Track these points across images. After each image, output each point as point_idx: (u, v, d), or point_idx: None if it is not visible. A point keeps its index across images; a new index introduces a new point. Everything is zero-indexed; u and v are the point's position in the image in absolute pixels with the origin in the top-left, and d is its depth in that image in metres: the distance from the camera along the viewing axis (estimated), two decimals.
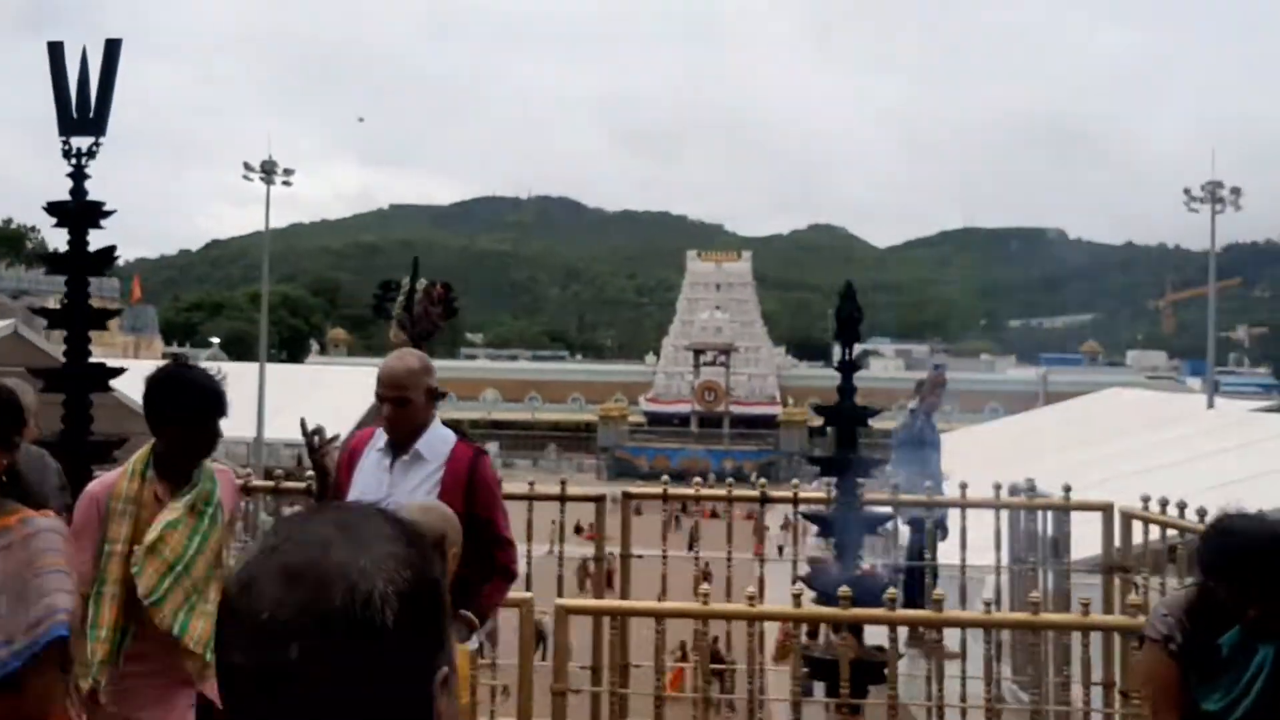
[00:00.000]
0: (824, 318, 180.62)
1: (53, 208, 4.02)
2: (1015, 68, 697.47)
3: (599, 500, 4.72)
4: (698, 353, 72.35)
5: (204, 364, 3.10)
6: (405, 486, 3.44)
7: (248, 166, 39.32)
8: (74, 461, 3.82)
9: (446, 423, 3.64)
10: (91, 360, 4.08)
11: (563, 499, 4.72)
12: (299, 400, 46.03)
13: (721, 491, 5.36)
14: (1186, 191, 37.71)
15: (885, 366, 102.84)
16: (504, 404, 78.08)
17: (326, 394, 49.28)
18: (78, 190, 4.04)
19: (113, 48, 4.12)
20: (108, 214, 4.08)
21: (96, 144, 4.11)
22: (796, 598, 3.81)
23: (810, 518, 5.40)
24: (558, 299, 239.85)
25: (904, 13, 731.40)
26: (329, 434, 3.67)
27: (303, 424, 3.69)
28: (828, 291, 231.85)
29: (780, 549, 39.54)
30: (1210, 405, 36.73)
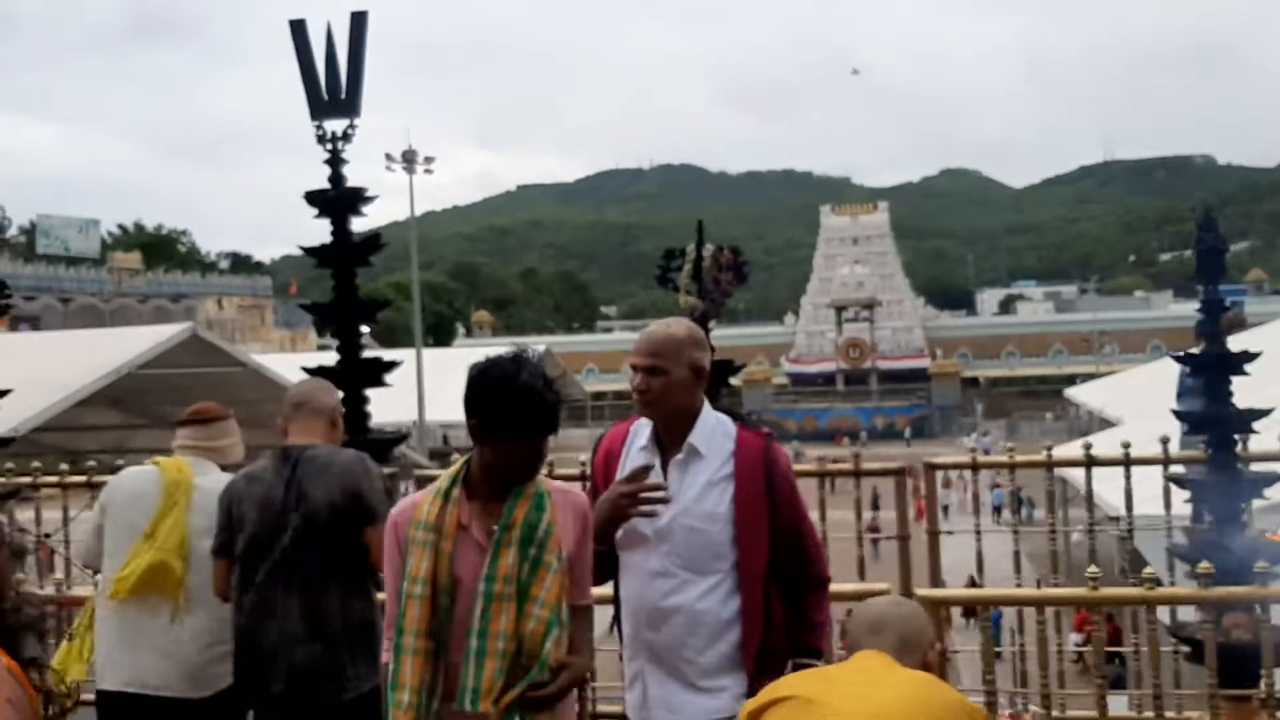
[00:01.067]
0: (963, 264, 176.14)
1: (311, 197, 3.81)
2: None
3: (899, 474, 4.20)
4: (839, 309, 70.98)
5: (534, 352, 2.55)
6: (687, 494, 2.76)
7: (389, 157, 39.95)
8: None
9: (722, 409, 2.96)
10: (366, 355, 3.88)
11: (858, 474, 4.21)
12: (453, 383, 47.20)
13: (1039, 457, 4.45)
14: None
15: (1034, 310, 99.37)
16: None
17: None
18: (336, 177, 3.83)
19: (359, 21, 3.86)
20: (369, 199, 3.86)
21: (352, 127, 3.88)
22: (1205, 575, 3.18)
23: (1178, 481, 4.60)
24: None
25: None
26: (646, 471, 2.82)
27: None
28: (964, 238, 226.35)
29: (945, 509, 38.21)
30: None
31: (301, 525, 3.10)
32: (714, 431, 2.84)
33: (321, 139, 3.92)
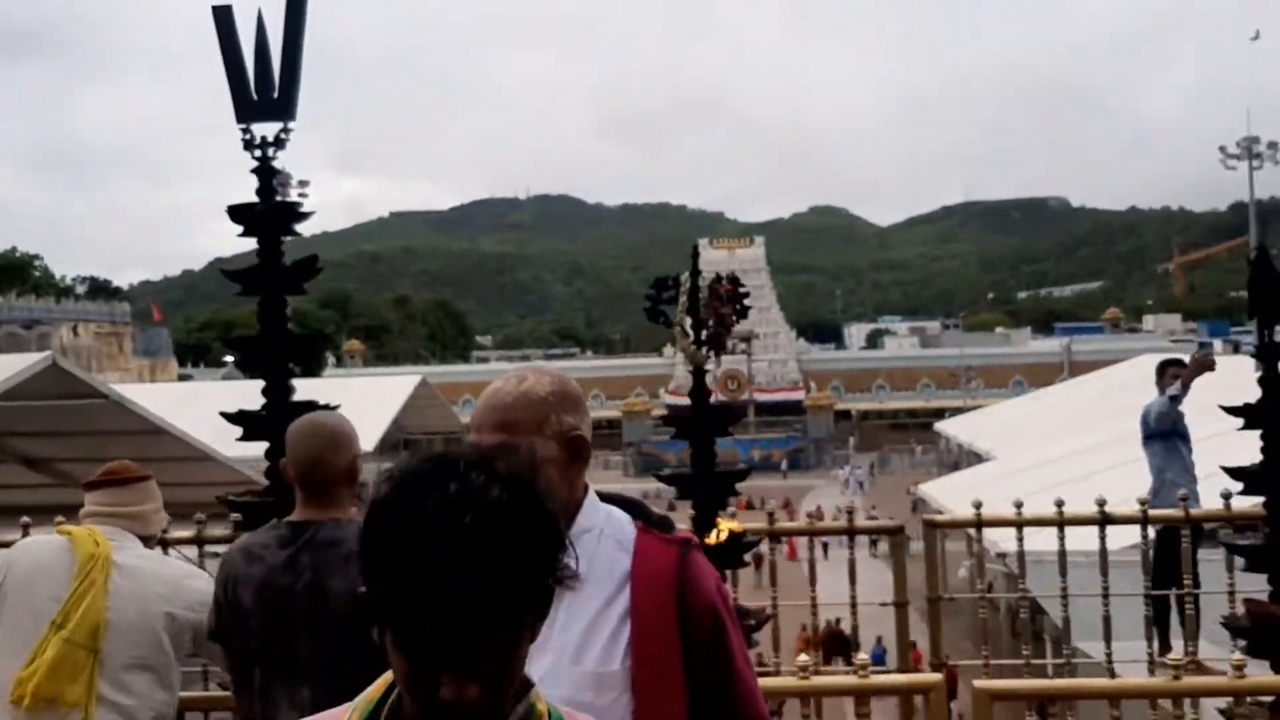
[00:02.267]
0: (831, 299, 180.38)
1: (236, 213, 3.23)
2: (1007, 35, 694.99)
3: (896, 533, 3.73)
4: None
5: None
6: (560, 644, 1.76)
7: None
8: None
9: (608, 498, 1.95)
10: (295, 399, 3.29)
11: (851, 532, 3.73)
12: None
13: (1049, 514, 3.95)
14: (1223, 149, 36.88)
15: (900, 345, 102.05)
16: None
17: (350, 403, 48.93)
18: (265, 189, 3.26)
19: (296, 8, 3.32)
20: (305, 216, 3.29)
21: (285, 131, 3.31)
22: None
23: (1232, 548, 4.08)
24: (563, 296, 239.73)
25: None
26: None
27: None
28: (832, 273, 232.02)
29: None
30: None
31: (315, 625, 2.45)
32: (600, 539, 1.85)
33: (249, 145, 3.35)
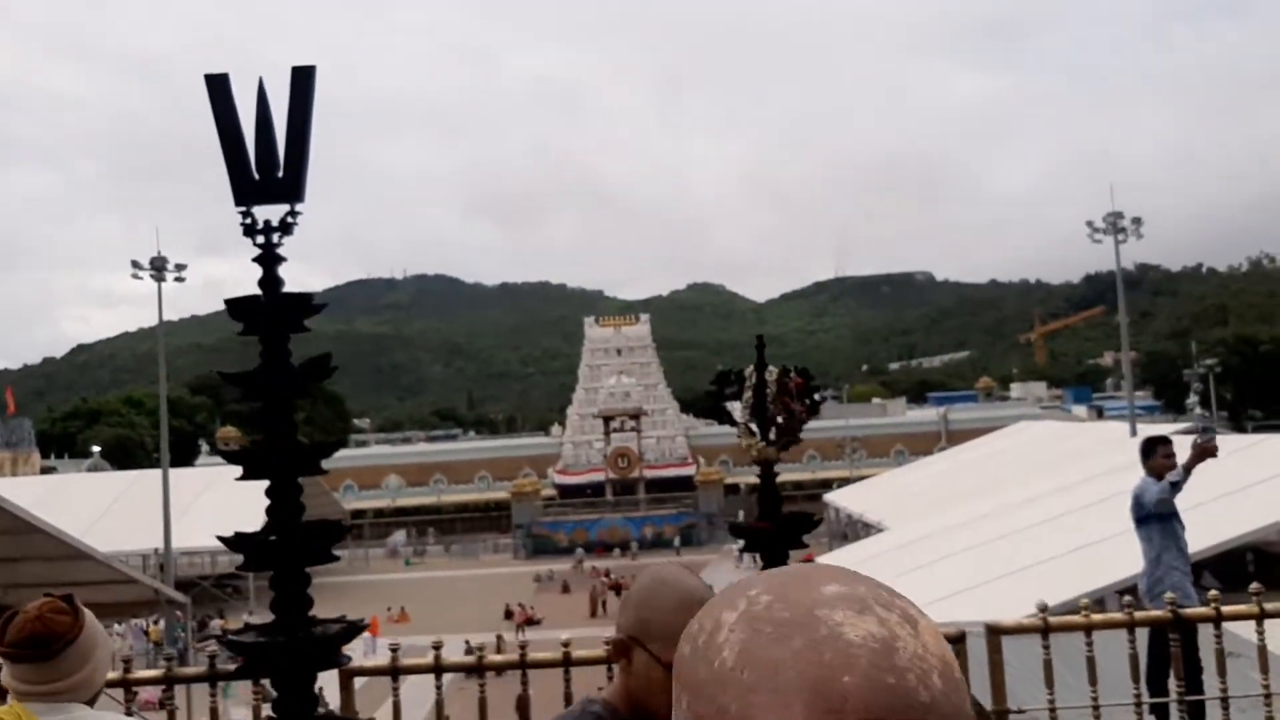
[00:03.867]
0: (712, 374, 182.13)
1: (235, 306, 2.80)
2: (872, 118, 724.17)
3: (958, 641, 3.27)
4: (606, 419, 71.10)
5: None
6: None
7: (136, 265, 37.13)
8: None
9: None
10: (305, 519, 2.85)
11: None
12: (198, 502, 43.55)
13: (1120, 616, 3.62)
14: (1090, 224, 38.59)
15: None
16: (408, 489, 75.41)
17: (226, 494, 46.84)
18: (270, 280, 2.84)
19: (303, 79, 2.94)
20: (316, 309, 2.88)
21: (292, 214, 2.90)
22: None
23: None
24: (442, 377, 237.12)
25: (755, 71, 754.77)
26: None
27: None
28: (711, 348, 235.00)
29: None
30: (1134, 432, 37.37)
31: None
32: None
33: (250, 230, 2.95)
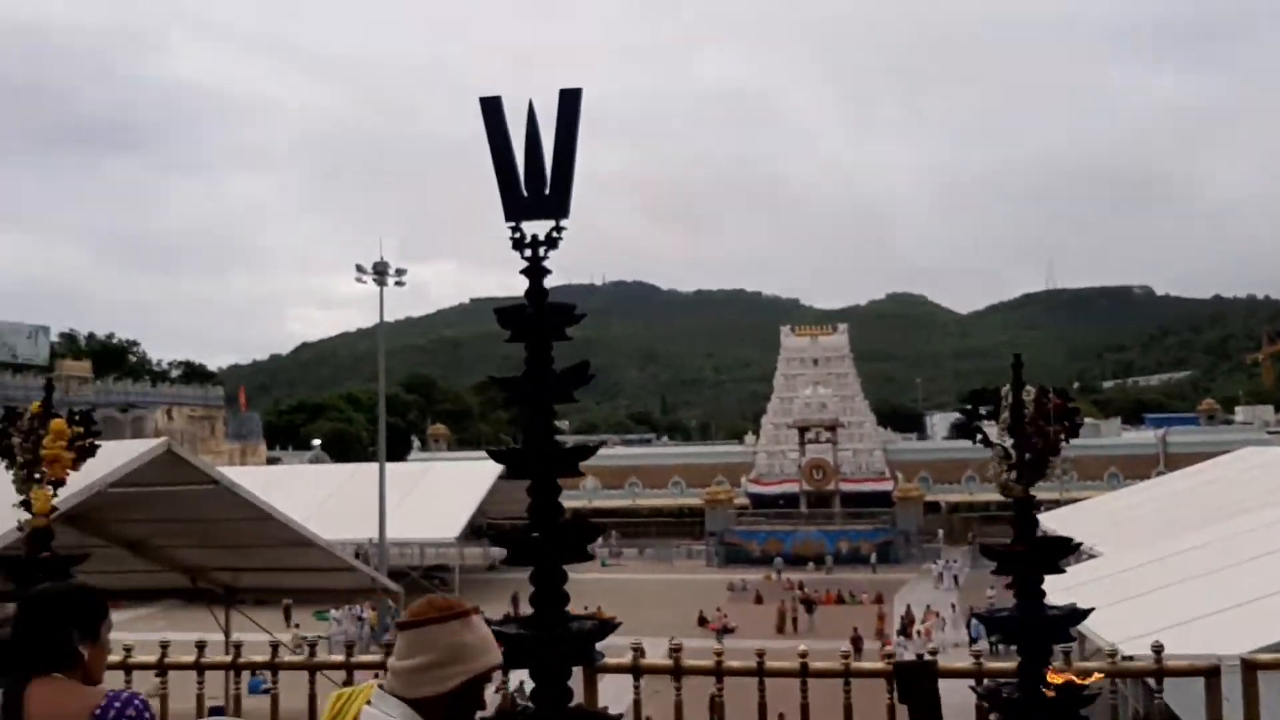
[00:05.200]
0: (911, 388, 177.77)
1: (504, 315, 3.01)
2: (1082, 122, 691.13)
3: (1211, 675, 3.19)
4: (802, 430, 70.53)
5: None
6: None
7: (360, 269, 39.29)
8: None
9: None
10: (564, 513, 3.02)
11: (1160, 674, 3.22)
12: (410, 496, 45.61)
13: None
14: None
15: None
16: (604, 491, 76.78)
17: (435, 488, 48.87)
18: (536, 291, 3.03)
19: (570, 101, 3.13)
20: (578, 318, 3.06)
21: (558, 229, 3.09)
22: None
23: None
24: (637, 381, 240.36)
25: (950, 73, 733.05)
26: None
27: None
28: (911, 361, 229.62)
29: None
30: None
31: None
32: None
33: (519, 244, 3.13)
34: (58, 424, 3.48)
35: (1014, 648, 3.25)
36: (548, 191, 3.11)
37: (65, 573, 3.46)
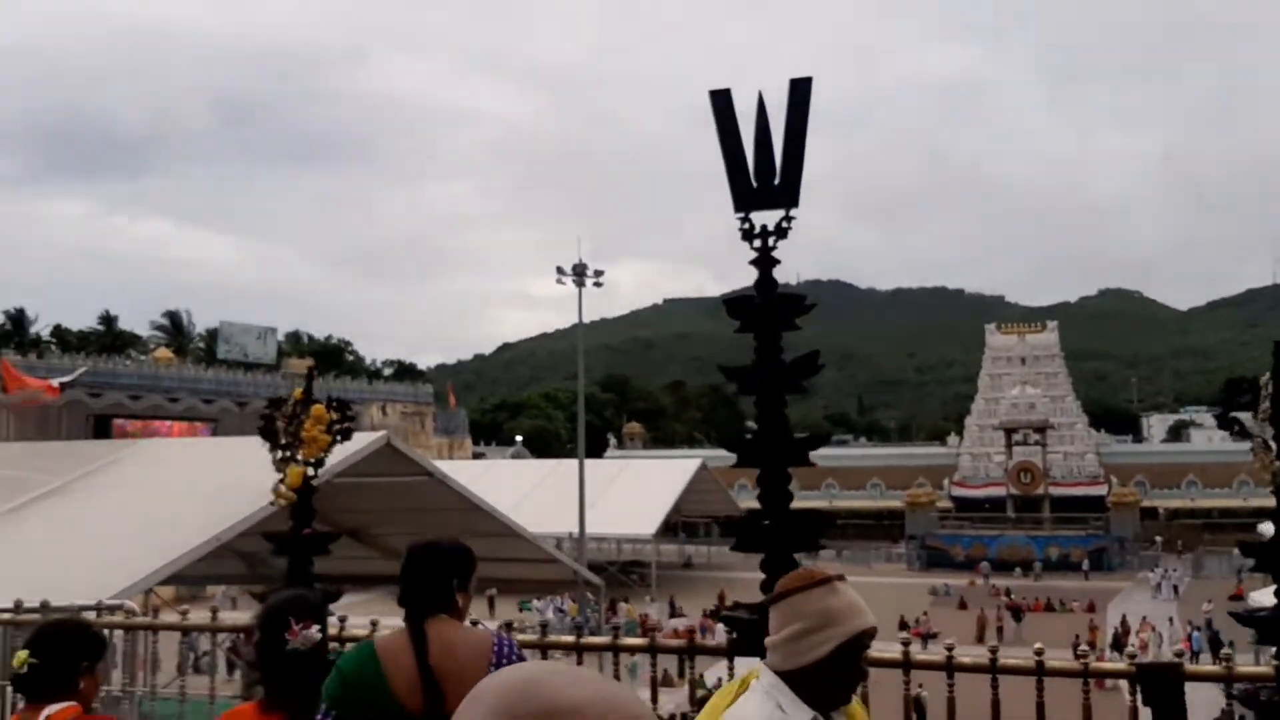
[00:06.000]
0: (1126, 388, 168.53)
1: (733, 306, 3.05)
2: None
3: None
4: (1008, 432, 67.95)
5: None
6: None
7: (560, 270, 40.22)
8: None
9: None
10: (795, 505, 3.03)
11: None
12: (607, 492, 46.42)
13: None
14: None
15: (1210, 438, 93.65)
16: (800, 492, 75.66)
17: (632, 485, 49.58)
18: (765, 281, 3.06)
19: (800, 91, 3.14)
20: (808, 309, 3.08)
21: (787, 219, 3.10)
22: None
23: None
24: (834, 381, 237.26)
25: (1164, 55, 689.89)
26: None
27: None
28: (1125, 360, 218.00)
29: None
30: None
31: None
32: None
33: (748, 235, 3.16)
34: (318, 409, 3.75)
35: (1273, 650, 3.04)
36: (778, 181, 3.13)
37: (324, 547, 3.72)
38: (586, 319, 41.92)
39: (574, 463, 42.52)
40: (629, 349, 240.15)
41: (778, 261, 3.15)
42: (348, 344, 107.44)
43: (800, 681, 2.23)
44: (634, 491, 48.75)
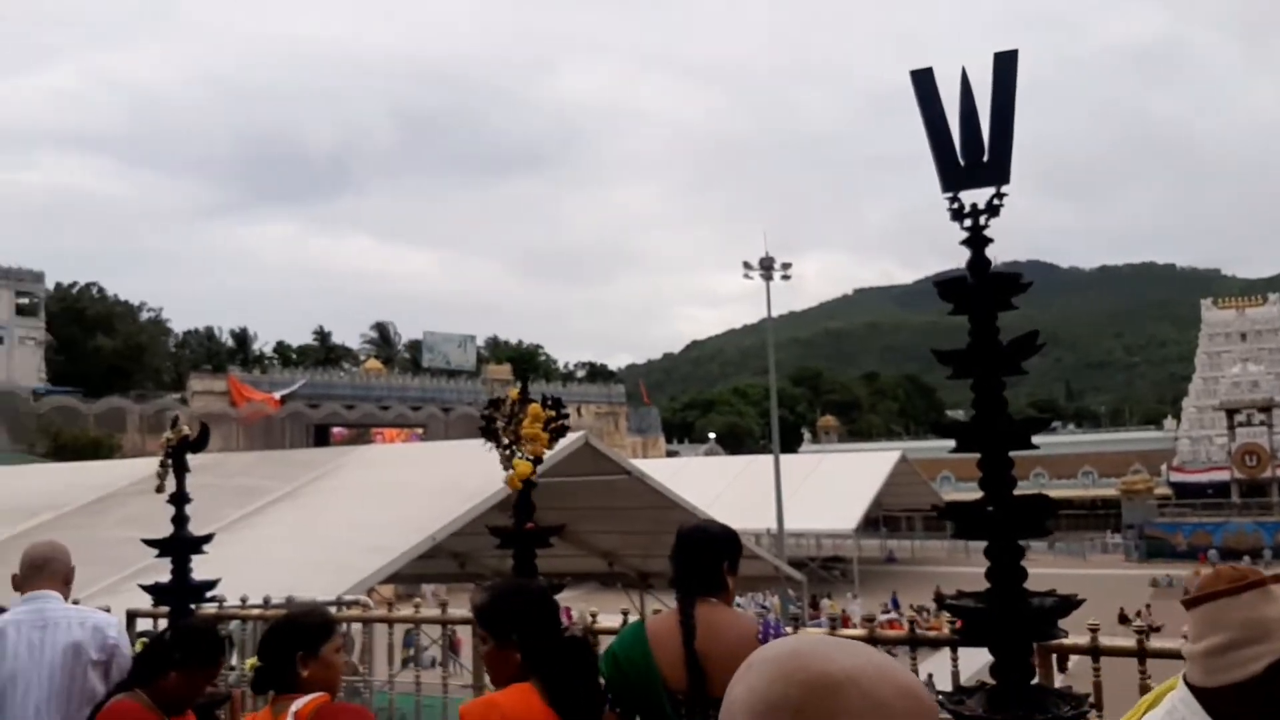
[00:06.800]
0: None
1: (945, 287, 3.02)
2: None
3: None
4: (1230, 412, 63.78)
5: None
6: None
7: (747, 265, 40.20)
8: None
9: None
10: (1018, 492, 2.98)
11: None
12: (804, 487, 46.00)
13: None
14: None
15: None
16: None
17: (830, 480, 48.98)
18: (978, 262, 3.00)
19: (1006, 64, 3.07)
20: (1024, 288, 3.02)
21: (998, 196, 3.05)
22: None
23: None
24: (1039, 367, 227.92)
25: None
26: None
27: None
28: None
29: None
30: None
31: None
32: None
33: (958, 214, 3.09)
34: (534, 408, 3.89)
35: None
36: (986, 158, 3.06)
37: (546, 540, 3.86)
38: (774, 312, 41.71)
39: (768, 458, 42.39)
40: (819, 341, 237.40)
41: (990, 240, 3.07)
42: (539, 348, 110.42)
43: (1219, 701, 1.88)
44: (832, 486, 48.17)
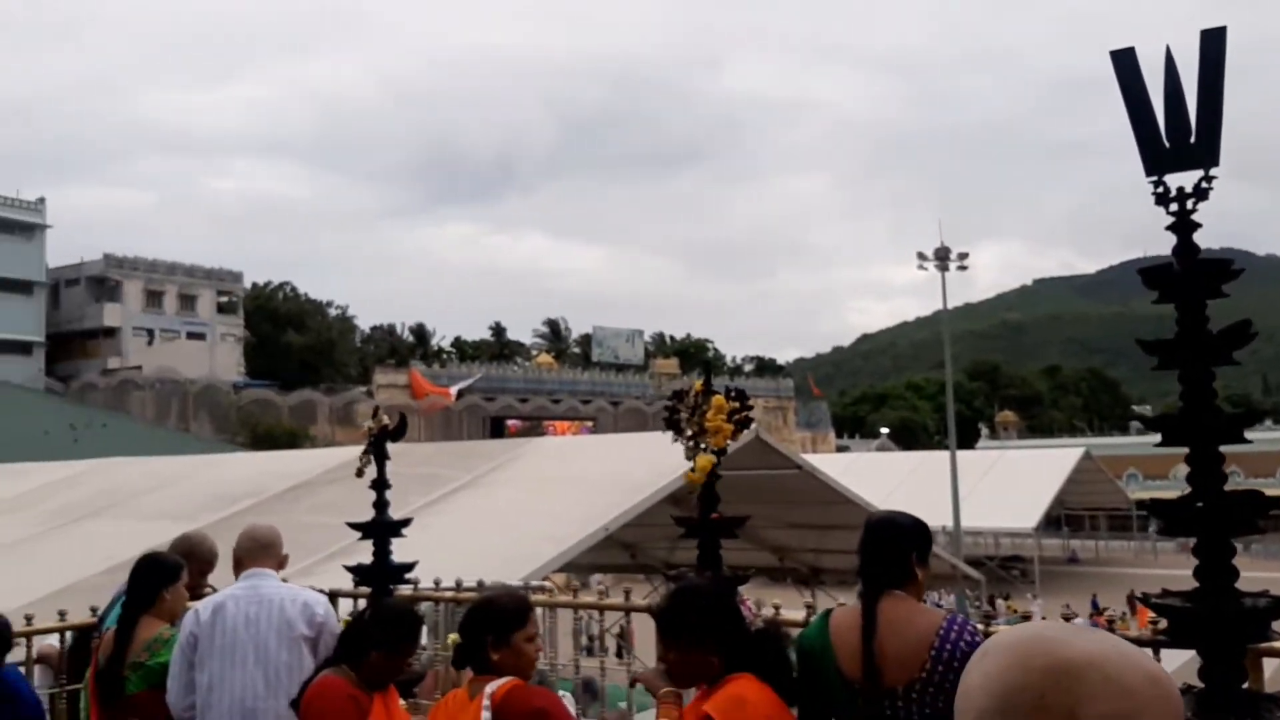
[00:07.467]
0: None
1: (1149, 274, 2.91)
2: None
3: None
4: None
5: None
6: None
7: (922, 256, 39.26)
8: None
9: None
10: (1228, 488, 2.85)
11: None
12: (982, 484, 44.61)
13: None
14: None
15: None
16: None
17: (1008, 477, 47.34)
18: (1185, 247, 2.89)
19: (1213, 42, 2.94)
20: (1235, 275, 2.89)
21: (1206, 179, 2.92)
22: None
23: None
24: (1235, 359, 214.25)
25: None
26: None
27: None
28: None
29: None
30: None
31: None
32: None
33: (1163, 199, 2.98)
34: (718, 400, 3.93)
35: None
36: (1192, 140, 2.93)
37: (731, 531, 3.91)
38: (948, 304, 40.62)
39: (944, 454, 41.28)
40: (996, 334, 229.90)
41: (1198, 225, 2.94)
42: (707, 342, 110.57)
43: None
44: (1010, 483, 46.58)
